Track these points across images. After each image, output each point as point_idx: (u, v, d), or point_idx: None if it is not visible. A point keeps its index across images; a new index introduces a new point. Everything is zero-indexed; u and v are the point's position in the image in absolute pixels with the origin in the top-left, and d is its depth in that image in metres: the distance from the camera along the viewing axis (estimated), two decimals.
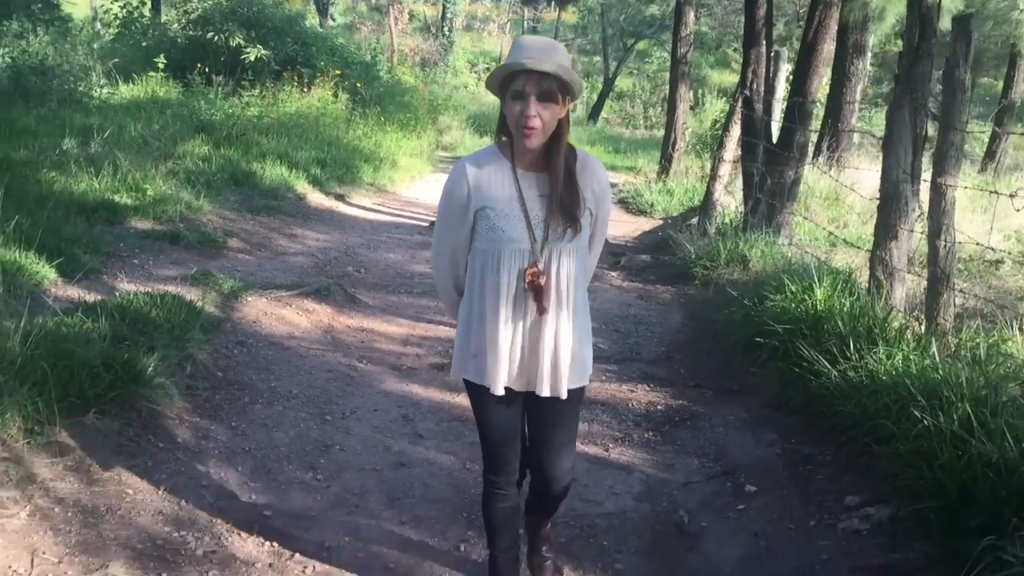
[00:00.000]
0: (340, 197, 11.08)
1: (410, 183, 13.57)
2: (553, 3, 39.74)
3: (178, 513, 3.40)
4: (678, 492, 3.90)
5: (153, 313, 4.85)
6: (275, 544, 3.28)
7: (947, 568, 2.95)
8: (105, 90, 12.92)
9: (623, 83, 37.16)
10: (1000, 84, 19.01)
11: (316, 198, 10.57)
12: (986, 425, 3.33)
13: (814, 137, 13.20)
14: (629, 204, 12.21)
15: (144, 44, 16.16)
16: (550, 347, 2.57)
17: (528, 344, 2.59)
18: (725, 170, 8.88)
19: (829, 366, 4.34)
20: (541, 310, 2.53)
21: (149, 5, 20.73)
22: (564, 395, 2.61)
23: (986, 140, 16.08)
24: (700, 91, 31.23)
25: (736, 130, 8.54)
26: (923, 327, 4.62)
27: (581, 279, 2.65)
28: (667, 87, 17.24)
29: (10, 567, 2.78)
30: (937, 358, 4.07)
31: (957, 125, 4.36)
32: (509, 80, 2.41)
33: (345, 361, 5.29)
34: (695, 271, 7.44)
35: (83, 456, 3.57)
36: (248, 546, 3.25)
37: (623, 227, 10.78)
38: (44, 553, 2.93)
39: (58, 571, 2.84)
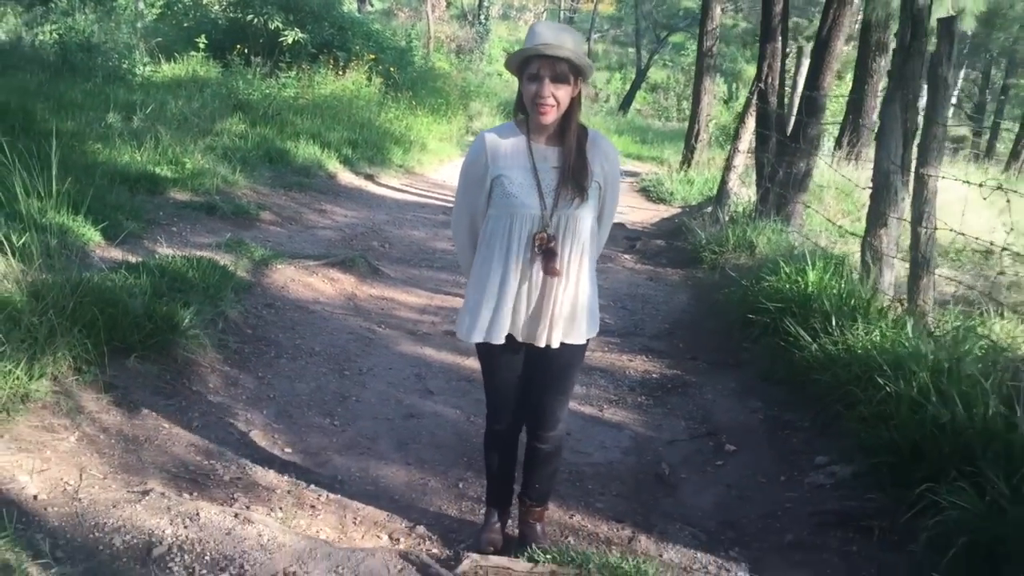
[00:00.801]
0: (369, 177, 11.47)
1: (438, 166, 13.94)
2: None
3: (208, 446, 3.80)
4: (663, 448, 4.24)
5: (190, 274, 5.25)
6: (293, 476, 3.66)
7: (892, 513, 3.29)
8: (148, 68, 13.41)
9: (657, 75, 37.31)
10: None
11: (346, 177, 10.97)
12: (943, 392, 3.64)
13: (835, 131, 13.46)
14: (650, 192, 12.52)
15: (185, 25, 16.65)
16: (551, 305, 2.77)
17: (534, 302, 2.79)
18: (740, 160, 9.16)
19: (811, 340, 4.66)
20: (552, 271, 2.73)
21: None
22: (556, 345, 2.82)
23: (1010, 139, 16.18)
24: (735, 84, 31.34)
25: (751, 122, 8.81)
26: (904, 308, 4.91)
27: (589, 248, 2.83)
28: None
29: (62, 479, 3.18)
30: (910, 334, 4.38)
31: (939, 120, 4.65)
32: (525, 63, 2.65)
33: (365, 325, 5.68)
34: (704, 255, 7.76)
35: (125, 393, 3.98)
36: (269, 476, 3.64)
37: (642, 214, 11.10)
38: (91, 471, 3.33)
39: (103, 485, 3.24)
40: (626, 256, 8.39)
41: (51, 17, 13.54)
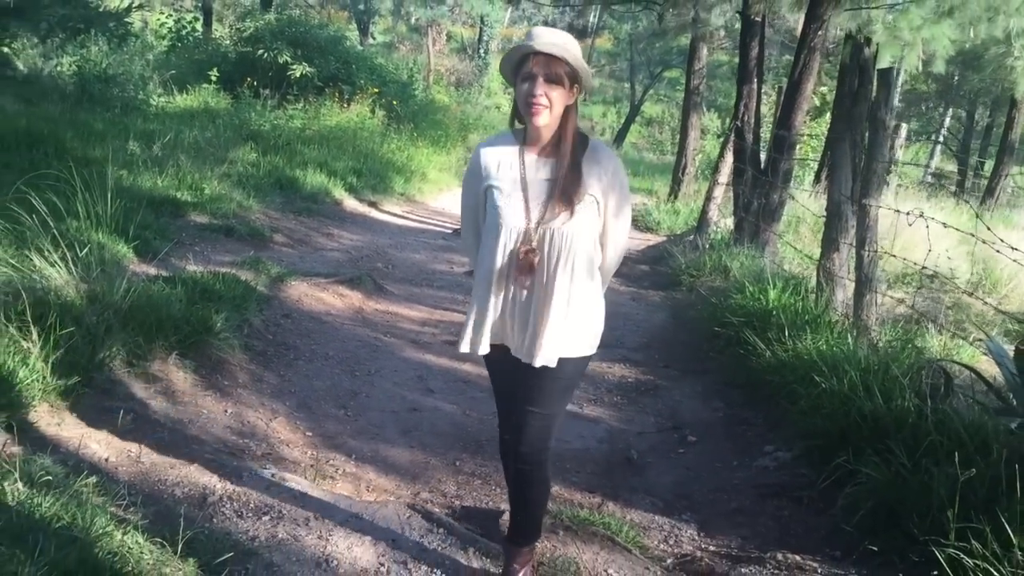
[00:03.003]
0: (373, 204, 12.16)
1: (437, 194, 14.64)
2: (589, 29, 40.86)
3: (241, 428, 4.43)
4: (633, 439, 4.88)
5: (217, 286, 5.89)
6: (314, 452, 4.30)
7: (817, 484, 3.92)
8: (162, 99, 14.14)
9: (653, 110, 38.19)
10: None
11: (351, 204, 11.65)
12: (868, 388, 4.29)
13: (816, 166, 14.19)
14: (638, 222, 13.19)
15: (196, 58, 17.43)
16: (535, 322, 2.69)
17: (517, 315, 2.73)
18: (719, 192, 9.86)
19: (766, 348, 5.31)
20: (529, 286, 2.67)
21: (201, 20, 22.13)
22: (537, 364, 2.71)
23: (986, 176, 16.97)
24: (727, 119, 32.20)
25: (729, 157, 9.52)
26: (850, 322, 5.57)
27: (584, 268, 2.72)
28: None
29: (125, 448, 3.80)
30: (850, 343, 5.04)
31: (879, 158, 5.33)
32: (520, 64, 2.61)
33: (372, 335, 6.32)
34: (683, 279, 8.43)
35: (169, 384, 4.62)
36: (295, 452, 4.27)
37: (630, 242, 11.77)
38: (147, 444, 3.96)
39: (159, 453, 3.86)
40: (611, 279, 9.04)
41: (67, 49, 14.25)
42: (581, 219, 2.66)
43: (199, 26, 21.08)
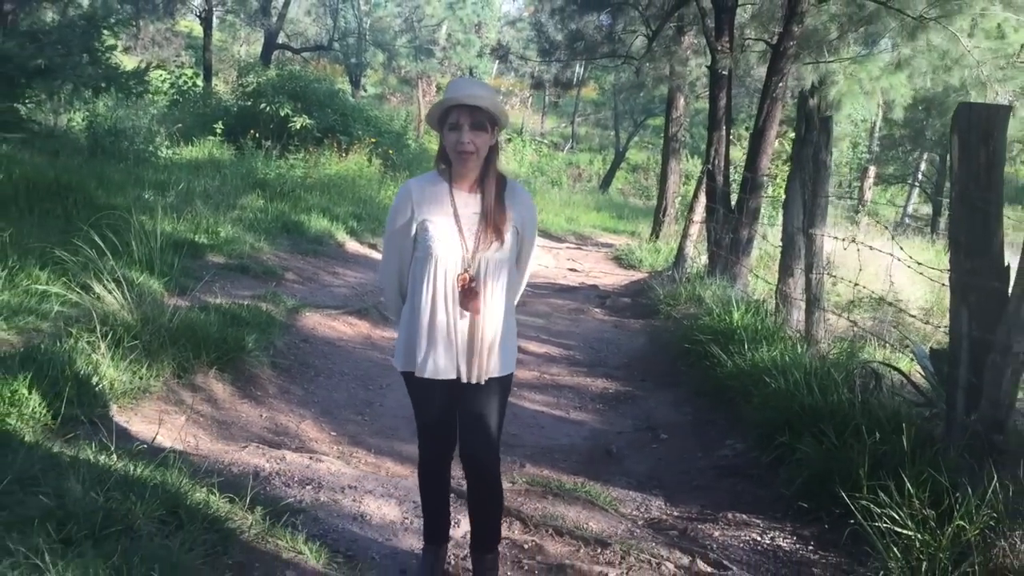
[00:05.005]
0: (373, 246, 12.94)
1: None
2: (575, 80, 42.07)
3: (275, 428, 5.18)
4: (613, 437, 5.63)
5: (243, 314, 6.66)
6: (340, 447, 5.04)
7: (765, 465, 4.68)
8: (170, 151, 14.98)
9: (638, 156, 39.29)
10: None
11: (353, 246, 12.45)
12: (810, 386, 5.06)
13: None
14: (622, 260, 14.06)
15: (199, 112, 18.34)
16: (478, 342, 2.95)
17: (458, 338, 2.96)
18: (695, 230, 10.71)
19: (728, 359, 6.09)
20: (474, 309, 2.93)
21: (202, 76, 23.12)
22: (483, 381, 2.99)
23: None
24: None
25: (703, 197, 10.38)
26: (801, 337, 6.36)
27: (508, 289, 3.04)
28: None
29: (185, 440, 4.54)
30: (800, 352, 5.82)
31: (821, 193, 6.16)
32: (446, 115, 2.87)
33: (381, 357, 7.07)
34: (661, 308, 9.21)
35: (211, 394, 5.37)
36: (323, 447, 5.01)
37: (614, 278, 12.60)
38: (200, 437, 4.70)
39: (213, 444, 4.60)
40: (597, 310, 9.84)
41: (74, 104, 15.06)
42: (508, 247, 2.99)
43: (199, 81, 22.07)
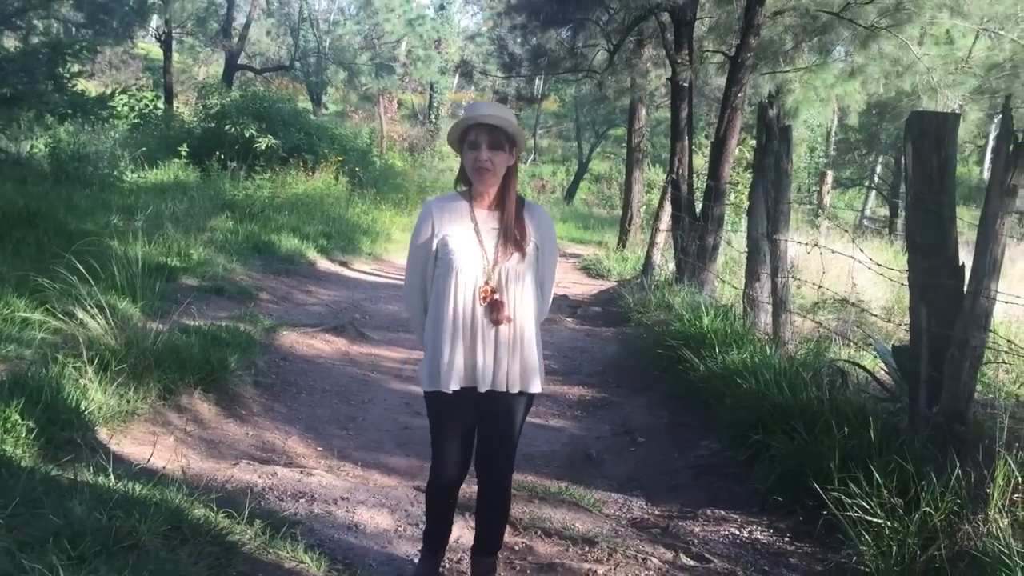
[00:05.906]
0: (344, 263, 13.07)
1: (403, 252, 15.43)
2: (538, 95, 42.35)
3: (262, 445, 5.28)
4: (592, 441, 5.80)
5: (223, 335, 6.75)
6: (328, 461, 5.15)
7: (740, 463, 4.86)
8: (134, 175, 14.96)
9: (601, 167, 39.65)
10: None
11: (324, 264, 12.55)
12: (780, 385, 5.26)
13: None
14: (590, 269, 14.27)
15: (162, 134, 18.31)
16: (506, 352, 3.02)
17: (490, 352, 3.02)
18: (661, 238, 10.93)
19: (700, 363, 6.28)
20: (498, 321, 2.98)
21: (163, 98, 23.05)
22: (515, 390, 3.06)
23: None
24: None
25: (668, 206, 10.61)
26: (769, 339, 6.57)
27: (530, 305, 3.06)
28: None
29: (176, 460, 4.63)
30: (769, 354, 6.03)
31: (783, 200, 6.38)
32: (466, 134, 2.97)
33: (360, 372, 7.19)
34: (632, 316, 9.40)
35: (197, 414, 5.46)
36: (310, 462, 5.12)
37: (583, 288, 12.80)
38: (190, 457, 4.79)
39: (202, 463, 4.70)
40: (568, 319, 10.02)
41: (35, 131, 14.96)
42: (529, 261, 3.06)
43: (160, 104, 22.02)
